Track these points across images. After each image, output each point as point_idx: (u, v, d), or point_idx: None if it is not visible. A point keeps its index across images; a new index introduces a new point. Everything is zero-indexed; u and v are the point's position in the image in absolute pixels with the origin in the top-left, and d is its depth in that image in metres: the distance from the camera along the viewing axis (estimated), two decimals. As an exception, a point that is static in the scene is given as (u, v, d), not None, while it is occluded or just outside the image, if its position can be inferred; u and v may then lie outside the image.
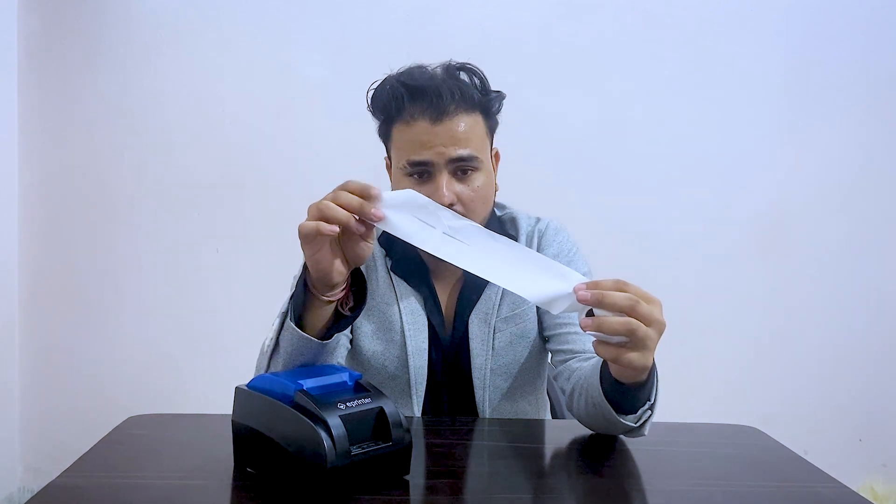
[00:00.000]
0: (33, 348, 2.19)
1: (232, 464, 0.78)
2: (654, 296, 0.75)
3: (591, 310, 0.75)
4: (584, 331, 0.74)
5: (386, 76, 1.07)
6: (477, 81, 1.06)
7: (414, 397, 1.10)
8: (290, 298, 0.87)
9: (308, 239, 0.79)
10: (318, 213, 0.78)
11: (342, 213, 0.78)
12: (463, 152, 1.01)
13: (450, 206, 1.00)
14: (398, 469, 0.74)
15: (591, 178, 2.20)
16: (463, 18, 2.13)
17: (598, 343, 0.76)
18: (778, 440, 0.96)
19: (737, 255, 2.25)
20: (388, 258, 1.14)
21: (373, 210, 0.78)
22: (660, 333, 0.75)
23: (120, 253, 2.18)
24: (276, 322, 0.88)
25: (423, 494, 0.74)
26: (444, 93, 1.01)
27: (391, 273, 1.13)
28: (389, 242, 1.15)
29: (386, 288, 1.13)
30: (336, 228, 0.78)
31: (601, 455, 0.88)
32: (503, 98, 1.09)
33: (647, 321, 0.73)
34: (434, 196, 0.99)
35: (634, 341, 0.74)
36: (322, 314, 0.86)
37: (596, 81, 2.18)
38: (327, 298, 0.84)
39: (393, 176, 1.10)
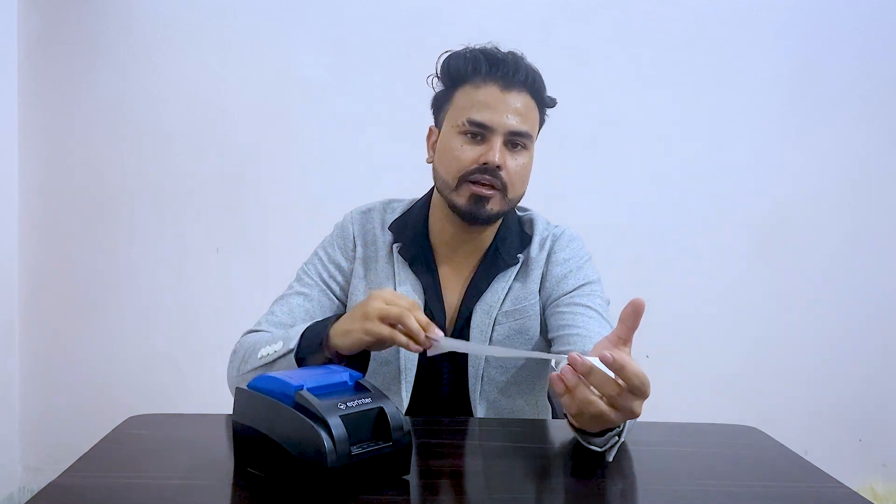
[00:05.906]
0: (33, 348, 2.19)
1: (232, 464, 0.78)
2: (647, 385, 0.70)
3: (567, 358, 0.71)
4: (557, 396, 0.74)
5: (464, 47, 1.10)
6: (542, 82, 1.10)
7: (403, 383, 1.11)
8: (301, 335, 0.93)
9: (380, 337, 0.87)
10: (397, 318, 0.86)
11: (418, 331, 0.86)
12: (522, 127, 1.06)
13: (497, 168, 1.04)
14: (398, 469, 0.74)
15: (590, 178, 2.20)
16: (463, 18, 2.12)
17: (564, 395, 0.73)
18: (778, 440, 0.96)
19: (737, 256, 2.25)
20: (396, 243, 1.15)
21: (432, 342, 0.87)
22: (627, 419, 0.76)
23: (120, 253, 2.18)
24: (278, 350, 0.95)
25: (423, 494, 0.74)
26: (520, 68, 1.06)
27: (395, 256, 1.14)
28: (400, 228, 1.16)
29: (384, 274, 1.14)
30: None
31: (601, 455, 0.88)
32: (554, 105, 1.14)
33: (622, 411, 0.71)
34: (485, 156, 1.04)
35: (600, 421, 0.73)
36: (321, 359, 0.93)
37: (596, 82, 2.18)
38: (330, 355, 0.93)
39: (442, 137, 1.10)
